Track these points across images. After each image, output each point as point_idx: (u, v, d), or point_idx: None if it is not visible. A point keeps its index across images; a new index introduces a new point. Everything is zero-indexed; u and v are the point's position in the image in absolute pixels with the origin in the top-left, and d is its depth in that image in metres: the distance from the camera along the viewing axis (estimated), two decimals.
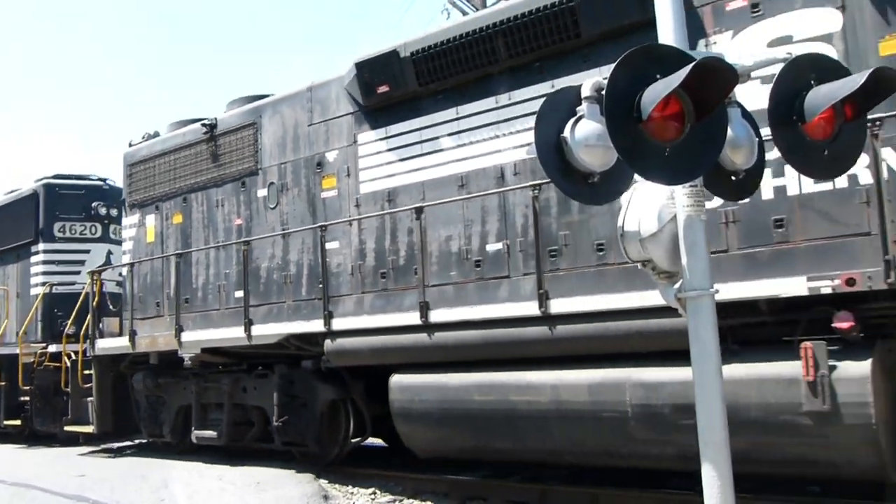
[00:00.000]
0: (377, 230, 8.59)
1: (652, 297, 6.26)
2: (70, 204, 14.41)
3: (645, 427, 6.23)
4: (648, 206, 3.56)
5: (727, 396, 5.85)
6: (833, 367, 5.38)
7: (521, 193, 7.39)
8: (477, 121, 7.86)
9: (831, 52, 5.74)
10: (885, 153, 5.48)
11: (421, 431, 7.91)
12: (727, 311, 6.01)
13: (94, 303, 11.98)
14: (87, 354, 12.18)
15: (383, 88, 8.48)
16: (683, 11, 3.59)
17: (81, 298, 12.85)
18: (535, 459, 7.57)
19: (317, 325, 8.66)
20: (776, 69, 3.46)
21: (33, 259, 14.49)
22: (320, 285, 8.79)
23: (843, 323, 5.38)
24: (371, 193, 8.71)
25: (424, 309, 7.70)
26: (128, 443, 12.94)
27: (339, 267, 8.88)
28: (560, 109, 3.44)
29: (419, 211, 7.84)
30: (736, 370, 5.78)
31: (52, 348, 13.60)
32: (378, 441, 10.47)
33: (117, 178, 13.52)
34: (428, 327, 7.68)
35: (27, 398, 13.92)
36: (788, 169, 5.69)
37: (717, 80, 3.11)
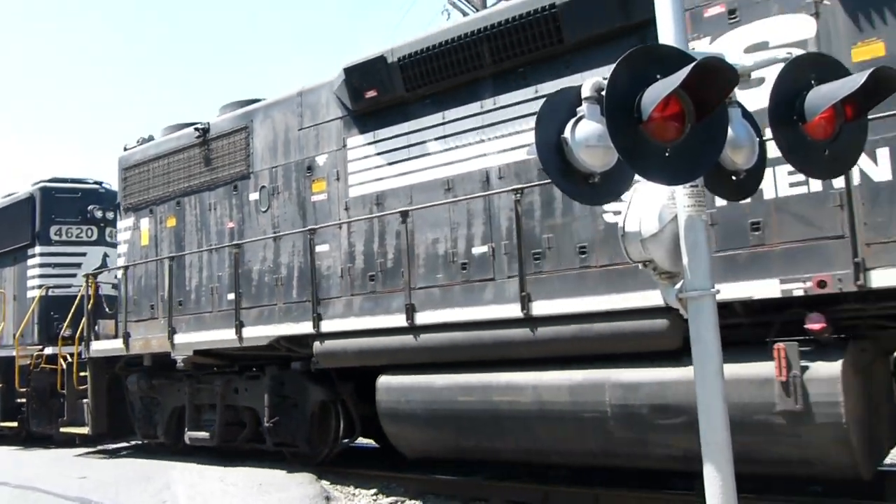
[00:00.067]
0: (366, 233, 8.70)
1: (631, 300, 6.43)
2: (66, 207, 14.52)
3: (624, 427, 6.33)
4: (649, 206, 3.57)
5: None
6: (805, 368, 5.48)
7: (505, 197, 7.49)
8: (463, 125, 7.97)
9: None
10: None
11: (408, 431, 8.01)
12: None
13: (89, 305, 12.10)
14: (83, 356, 12.31)
15: (371, 93, 8.58)
16: (683, 11, 3.61)
17: (77, 301, 12.95)
18: (519, 459, 7.66)
19: (306, 328, 8.78)
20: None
21: (30, 262, 14.61)
22: (311, 287, 8.91)
23: (815, 324, 5.48)
24: (360, 197, 8.82)
25: (410, 311, 7.82)
26: (123, 444, 13.04)
27: (329, 269, 8.99)
28: (560, 110, 3.46)
29: (405, 214, 7.95)
30: None
31: (49, 350, 13.74)
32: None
33: (113, 182, 13.66)
34: (414, 329, 7.79)
35: (23, 400, 14.04)
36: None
37: (717, 80, 3.12)
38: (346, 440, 9.32)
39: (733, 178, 3.62)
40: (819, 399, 5.40)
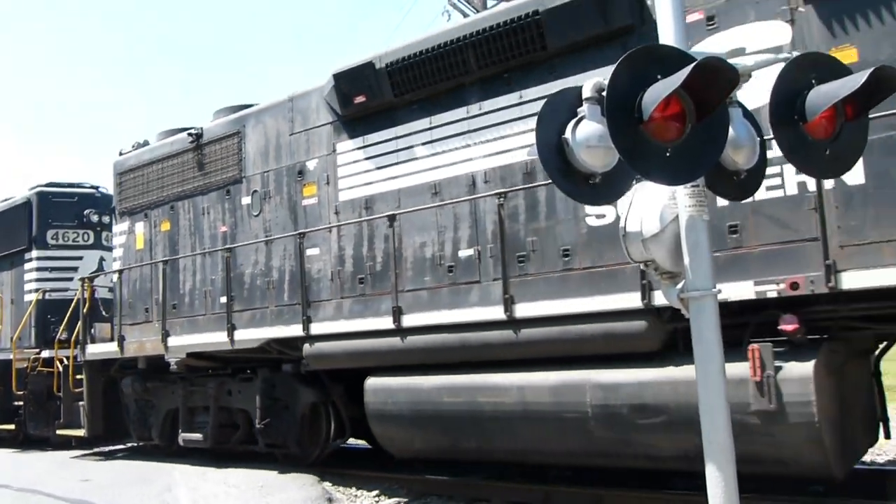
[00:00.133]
0: (355, 237, 8.81)
1: (610, 302, 6.54)
2: (63, 211, 14.64)
3: (604, 427, 6.43)
4: (650, 206, 3.57)
5: (682, 397, 6.11)
6: (779, 368, 5.58)
7: (490, 201, 7.59)
8: (449, 130, 8.08)
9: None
10: None
11: (394, 432, 8.12)
12: (681, 315, 6.24)
13: (85, 309, 12.21)
14: (78, 360, 12.43)
15: (360, 99, 8.70)
16: (683, 11, 3.62)
17: (73, 305, 13.07)
18: (503, 459, 7.76)
19: (296, 330, 8.89)
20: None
21: (27, 266, 14.72)
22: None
23: (788, 325, 5.58)
24: (350, 201, 8.93)
25: (397, 313, 7.92)
26: (119, 446, 13.15)
27: (320, 273, 9.10)
28: (561, 110, 3.46)
29: (392, 218, 8.06)
30: (690, 371, 5.97)
31: (45, 354, 13.85)
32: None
33: (110, 186, 13.76)
34: (401, 331, 7.90)
35: (21, 403, 14.16)
36: None
37: (718, 80, 3.12)
38: (337, 441, 9.42)
39: (734, 177, 3.63)
40: (792, 399, 5.50)
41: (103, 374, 12.17)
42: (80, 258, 14.69)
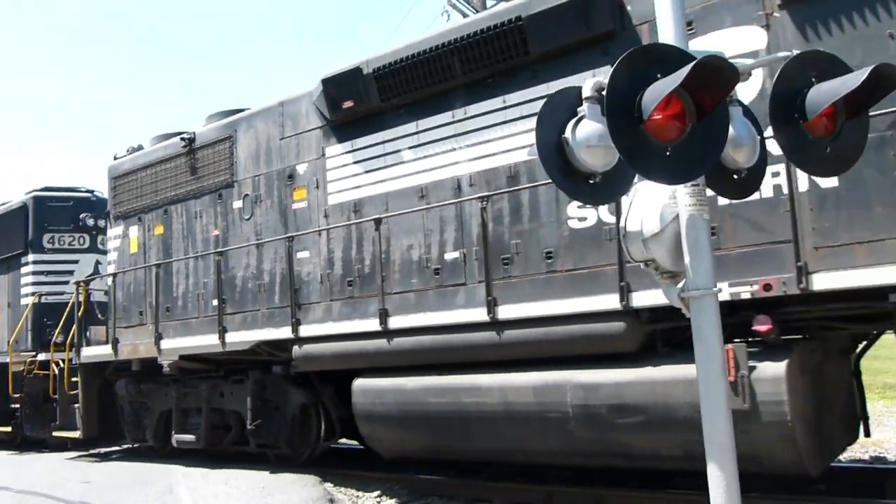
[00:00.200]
0: (344, 240, 8.92)
1: (590, 304, 6.64)
2: (59, 215, 14.78)
3: (584, 427, 6.53)
4: (651, 205, 3.57)
5: (660, 397, 6.22)
6: (752, 368, 5.68)
7: (476, 204, 7.69)
8: (435, 134, 8.18)
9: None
10: None
11: (382, 432, 8.23)
12: (659, 316, 6.36)
13: (80, 312, 12.33)
14: (74, 362, 12.55)
15: (348, 103, 8.81)
16: (683, 11, 3.63)
17: (68, 308, 13.19)
18: (487, 459, 7.86)
19: (285, 332, 9.00)
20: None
21: (23, 270, 14.85)
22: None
23: (761, 326, 5.68)
24: (339, 204, 9.04)
25: (384, 316, 8.03)
26: (115, 447, 13.26)
27: (310, 275, 9.20)
28: (561, 110, 3.46)
29: (378, 222, 8.17)
30: (667, 372, 6.10)
31: (42, 357, 13.96)
32: None
33: (104, 190, 13.86)
34: (387, 333, 8.01)
35: (17, 405, 14.27)
36: None
37: (718, 79, 3.11)
38: (328, 442, 9.52)
39: (735, 176, 3.63)
40: (765, 398, 5.59)
41: (98, 377, 12.30)
42: (76, 262, 14.82)
